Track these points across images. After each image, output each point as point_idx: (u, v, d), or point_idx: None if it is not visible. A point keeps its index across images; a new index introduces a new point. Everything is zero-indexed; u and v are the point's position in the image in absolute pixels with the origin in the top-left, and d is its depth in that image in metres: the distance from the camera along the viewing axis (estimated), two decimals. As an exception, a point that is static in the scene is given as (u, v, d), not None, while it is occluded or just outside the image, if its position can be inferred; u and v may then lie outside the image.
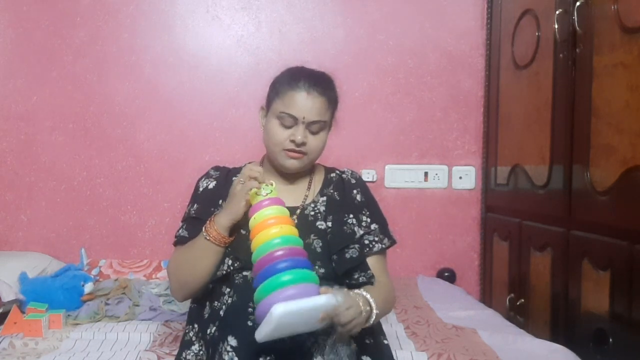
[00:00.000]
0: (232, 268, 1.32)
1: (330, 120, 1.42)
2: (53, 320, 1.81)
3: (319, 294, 1.11)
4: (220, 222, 1.29)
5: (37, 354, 1.56)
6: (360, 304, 1.17)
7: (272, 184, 1.29)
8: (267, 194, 1.26)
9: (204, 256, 1.32)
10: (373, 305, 1.21)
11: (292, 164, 1.36)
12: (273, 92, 1.39)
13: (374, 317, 1.22)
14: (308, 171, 1.47)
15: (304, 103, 1.33)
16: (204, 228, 1.32)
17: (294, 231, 1.22)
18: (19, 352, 1.58)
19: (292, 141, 1.34)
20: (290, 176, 1.44)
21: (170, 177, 2.61)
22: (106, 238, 2.62)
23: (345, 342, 1.17)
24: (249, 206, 1.27)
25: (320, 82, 1.37)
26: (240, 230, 1.33)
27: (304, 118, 1.33)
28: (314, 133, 1.36)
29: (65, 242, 2.60)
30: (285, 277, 1.11)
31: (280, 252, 1.15)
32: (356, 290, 1.23)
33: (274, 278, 1.11)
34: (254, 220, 1.23)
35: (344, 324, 1.11)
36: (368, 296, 1.21)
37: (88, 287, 2.04)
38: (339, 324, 1.10)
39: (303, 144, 1.34)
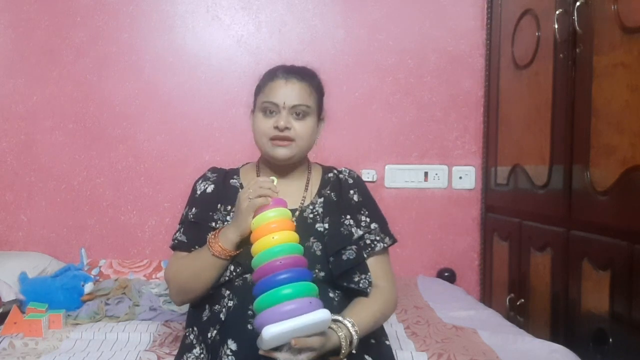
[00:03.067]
0: (234, 274, 1.32)
1: (318, 108, 1.41)
2: (53, 320, 1.81)
3: (320, 307, 1.11)
4: (228, 237, 1.27)
5: (37, 354, 1.56)
6: (330, 343, 1.15)
7: (273, 180, 1.29)
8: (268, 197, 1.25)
9: (207, 268, 1.31)
10: (353, 344, 1.19)
11: (280, 152, 1.36)
12: (256, 91, 1.43)
13: (346, 353, 1.19)
14: (305, 171, 1.46)
15: (283, 89, 1.35)
16: (207, 242, 1.30)
17: (294, 237, 1.21)
18: (19, 352, 1.58)
19: (276, 127, 1.34)
20: (286, 175, 1.43)
21: (170, 177, 2.61)
22: (106, 238, 2.62)
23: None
24: (250, 228, 1.24)
25: (298, 71, 1.40)
26: (246, 241, 1.30)
27: (284, 103, 1.34)
28: (298, 118, 1.36)
29: (65, 242, 2.60)
30: (285, 290, 1.10)
31: (280, 262, 1.14)
32: (343, 325, 1.20)
33: (274, 291, 1.11)
34: (256, 222, 1.22)
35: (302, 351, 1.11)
36: (352, 332, 1.19)
37: (88, 287, 2.04)
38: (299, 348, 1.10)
39: (287, 128, 1.34)
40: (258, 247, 1.19)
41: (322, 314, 1.10)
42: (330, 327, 1.17)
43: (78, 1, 2.59)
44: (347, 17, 2.63)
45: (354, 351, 1.20)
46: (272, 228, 1.18)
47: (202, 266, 1.31)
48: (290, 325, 1.07)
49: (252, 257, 1.20)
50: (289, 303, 1.09)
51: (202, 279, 1.32)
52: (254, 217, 1.23)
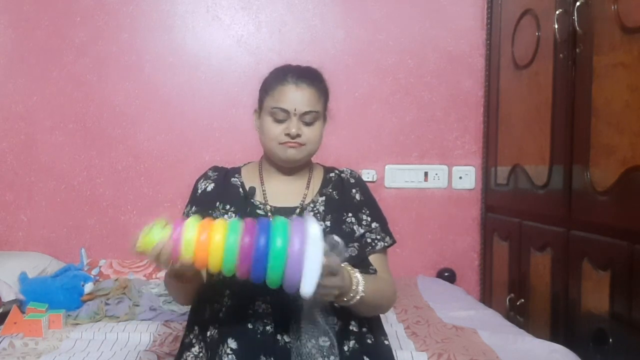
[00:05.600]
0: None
1: (324, 112, 1.42)
2: (53, 320, 1.81)
3: (304, 222, 1.08)
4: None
5: (37, 354, 1.56)
6: (347, 277, 1.16)
7: (155, 224, 1.14)
8: (164, 228, 1.12)
9: (176, 285, 1.29)
10: (360, 286, 1.20)
11: (291, 153, 1.36)
12: (263, 91, 1.41)
13: (357, 297, 1.20)
14: (307, 170, 1.47)
15: (294, 95, 1.34)
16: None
17: (223, 223, 1.12)
18: (19, 352, 1.58)
19: (287, 134, 1.34)
20: (289, 173, 1.44)
21: (170, 177, 2.61)
22: (106, 238, 2.62)
23: (320, 306, 1.15)
24: (191, 262, 1.10)
25: (307, 75, 1.39)
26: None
27: (295, 110, 1.34)
28: (307, 124, 1.36)
29: (65, 242, 2.60)
30: (277, 243, 1.05)
31: (246, 241, 1.06)
32: (350, 268, 1.22)
33: (272, 258, 1.04)
34: (186, 253, 1.07)
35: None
36: (359, 278, 1.20)
37: (88, 287, 2.04)
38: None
39: (298, 135, 1.34)
40: (215, 262, 1.08)
41: (313, 227, 1.07)
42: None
43: (78, 1, 2.59)
44: (347, 17, 2.63)
45: (361, 294, 1.19)
46: (205, 240, 1.07)
47: (172, 281, 1.29)
48: (314, 265, 1.04)
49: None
50: (292, 245, 1.04)
51: (178, 292, 1.34)
52: (177, 255, 1.09)
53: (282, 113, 1.34)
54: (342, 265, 1.19)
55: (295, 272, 1.04)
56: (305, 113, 1.34)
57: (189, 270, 1.15)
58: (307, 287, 1.05)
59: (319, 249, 1.05)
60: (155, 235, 1.11)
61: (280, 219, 1.11)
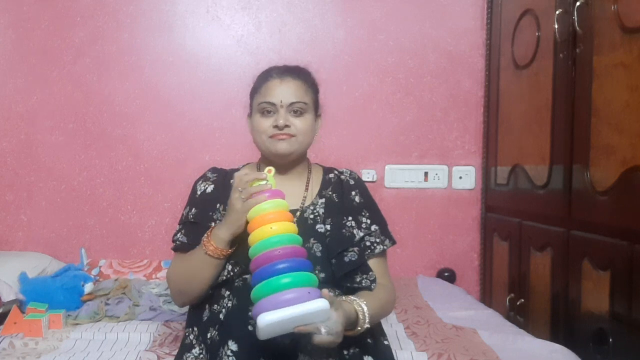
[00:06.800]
0: (232, 273, 1.32)
1: (314, 106, 1.43)
2: (53, 320, 1.81)
3: (319, 296, 1.10)
4: (220, 235, 1.27)
5: (37, 354, 1.56)
6: (344, 317, 1.16)
7: (270, 171, 1.27)
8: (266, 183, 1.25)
9: (203, 268, 1.30)
10: (366, 318, 1.21)
11: (281, 146, 1.37)
12: (252, 93, 1.45)
13: (361, 329, 1.22)
14: (305, 171, 1.47)
15: (279, 88, 1.37)
16: (202, 242, 1.30)
17: (293, 228, 1.20)
18: (19, 352, 1.58)
19: (276, 126, 1.35)
20: (287, 174, 1.43)
21: (170, 177, 2.61)
22: (106, 238, 2.62)
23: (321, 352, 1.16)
24: (249, 220, 1.23)
25: (292, 70, 1.42)
26: (242, 239, 1.30)
27: (281, 102, 1.36)
28: (296, 115, 1.37)
29: (65, 242, 2.60)
30: (285, 279, 1.09)
31: (279, 252, 1.13)
32: (354, 299, 1.23)
33: (273, 280, 1.10)
34: (252, 213, 1.20)
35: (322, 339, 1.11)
36: (365, 309, 1.22)
37: (88, 287, 2.04)
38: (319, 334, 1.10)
39: (287, 126, 1.35)
40: (255, 237, 1.17)
41: (320, 303, 1.08)
42: (344, 300, 1.20)
43: (78, 1, 2.59)
44: (347, 17, 2.63)
45: (367, 325, 1.22)
46: (270, 219, 1.17)
47: (198, 266, 1.31)
48: (287, 314, 1.06)
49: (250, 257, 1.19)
50: (288, 292, 1.07)
51: (198, 279, 1.32)
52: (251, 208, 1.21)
53: (270, 106, 1.36)
54: (348, 301, 1.21)
55: (262, 308, 1.08)
56: (292, 104, 1.36)
57: (234, 231, 1.25)
58: (258, 331, 1.08)
59: (296, 321, 1.07)
60: (261, 182, 1.24)
61: (312, 276, 1.15)
